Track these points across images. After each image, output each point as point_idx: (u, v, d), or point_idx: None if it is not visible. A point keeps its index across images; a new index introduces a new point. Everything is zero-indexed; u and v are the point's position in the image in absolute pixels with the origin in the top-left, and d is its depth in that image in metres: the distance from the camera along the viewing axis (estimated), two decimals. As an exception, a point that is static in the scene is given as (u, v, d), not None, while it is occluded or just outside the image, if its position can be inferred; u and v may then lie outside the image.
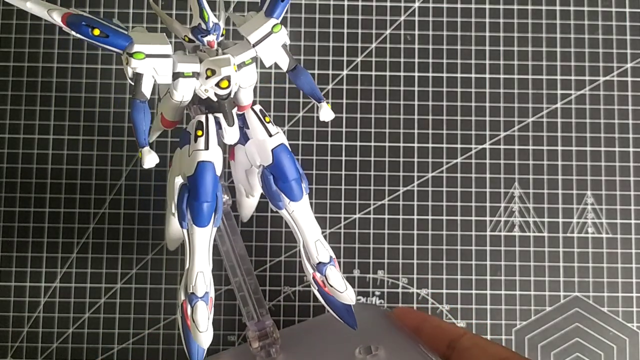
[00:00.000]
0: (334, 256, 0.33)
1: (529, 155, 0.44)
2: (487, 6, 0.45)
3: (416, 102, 0.44)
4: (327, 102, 0.34)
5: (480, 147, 0.44)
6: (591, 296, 0.43)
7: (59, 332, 0.42)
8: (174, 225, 0.35)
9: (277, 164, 0.31)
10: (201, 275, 0.31)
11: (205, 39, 0.31)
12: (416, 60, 0.44)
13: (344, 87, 0.44)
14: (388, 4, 0.45)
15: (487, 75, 0.44)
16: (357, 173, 0.43)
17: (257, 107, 0.32)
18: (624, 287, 0.43)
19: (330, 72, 0.44)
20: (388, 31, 0.45)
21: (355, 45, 0.44)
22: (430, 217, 0.43)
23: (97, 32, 0.29)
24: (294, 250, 0.43)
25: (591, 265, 0.43)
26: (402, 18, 0.45)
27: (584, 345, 0.43)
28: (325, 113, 0.34)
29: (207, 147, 0.30)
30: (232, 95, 0.31)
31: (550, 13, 0.45)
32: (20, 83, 0.43)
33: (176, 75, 0.30)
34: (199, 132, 0.30)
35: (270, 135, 0.32)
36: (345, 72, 0.44)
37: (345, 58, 0.44)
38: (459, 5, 0.45)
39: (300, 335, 0.37)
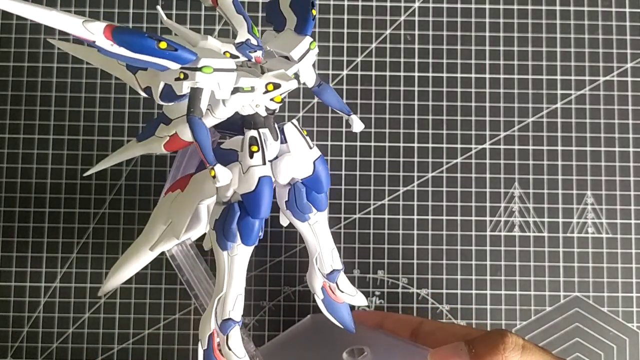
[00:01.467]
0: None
1: (529, 155, 0.44)
2: (487, 6, 0.45)
3: (416, 102, 0.44)
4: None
5: (480, 147, 0.44)
6: (591, 296, 0.43)
7: (59, 332, 0.42)
8: (135, 264, 0.35)
9: (316, 175, 0.32)
10: (240, 298, 0.32)
11: (254, 55, 0.30)
12: (416, 60, 0.44)
13: (344, 87, 0.44)
14: (388, 4, 0.45)
15: (487, 75, 0.44)
16: (357, 173, 0.43)
17: (295, 122, 0.33)
18: (624, 287, 0.43)
19: (330, 72, 0.44)
20: (388, 31, 0.45)
21: (355, 45, 0.44)
22: (430, 217, 0.43)
23: (164, 45, 0.27)
24: (294, 250, 0.43)
25: (591, 265, 0.43)
26: (402, 18, 0.45)
27: (584, 345, 0.43)
28: (357, 125, 0.34)
29: (264, 162, 0.30)
30: (276, 112, 0.31)
31: (550, 13, 0.45)
32: (20, 83, 0.43)
33: (235, 90, 0.29)
34: (254, 148, 0.30)
35: (311, 148, 0.32)
36: (345, 72, 0.44)
37: (345, 58, 0.44)
38: (459, 5, 0.45)
39: (284, 350, 0.37)
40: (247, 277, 0.42)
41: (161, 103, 0.30)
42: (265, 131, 0.31)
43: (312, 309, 0.42)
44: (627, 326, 0.43)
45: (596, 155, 0.44)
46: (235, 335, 0.31)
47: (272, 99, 0.30)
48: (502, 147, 0.44)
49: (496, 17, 0.45)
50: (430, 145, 0.44)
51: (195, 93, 0.28)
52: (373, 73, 0.44)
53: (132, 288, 0.42)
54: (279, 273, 0.43)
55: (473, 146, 0.44)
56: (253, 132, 0.31)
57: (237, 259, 0.31)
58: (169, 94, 0.30)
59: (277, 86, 0.30)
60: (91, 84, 0.43)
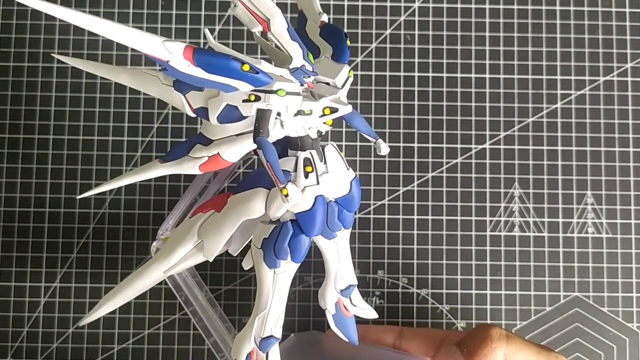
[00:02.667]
0: None
1: (529, 155, 0.44)
2: (487, 6, 0.45)
3: (416, 102, 0.44)
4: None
5: (480, 147, 0.44)
6: (591, 296, 0.43)
7: (59, 332, 0.42)
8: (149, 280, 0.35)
9: (352, 194, 0.33)
10: (282, 315, 0.33)
11: (307, 80, 0.31)
12: (416, 60, 0.44)
13: (344, 87, 0.44)
14: (388, 4, 0.45)
15: (487, 75, 0.44)
16: (357, 173, 0.43)
17: (335, 144, 0.34)
18: (624, 287, 0.43)
19: (330, 72, 0.44)
20: (388, 31, 0.45)
21: (355, 45, 0.44)
22: (430, 217, 0.43)
23: (247, 67, 0.28)
24: (294, 250, 0.43)
25: (591, 265, 0.43)
26: (402, 18, 0.45)
27: (584, 345, 0.43)
28: (384, 149, 0.35)
29: (318, 182, 0.31)
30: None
31: (550, 13, 0.45)
32: (20, 83, 0.43)
33: (298, 113, 0.30)
34: (309, 168, 0.31)
35: (348, 168, 0.33)
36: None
37: (345, 58, 0.44)
38: (459, 5, 0.45)
39: None
40: (247, 277, 0.43)
41: (216, 123, 0.30)
42: (313, 152, 0.32)
43: (312, 309, 0.42)
44: (627, 326, 0.43)
45: (596, 155, 0.44)
46: (275, 352, 0.32)
47: (324, 122, 0.32)
48: (502, 147, 0.44)
49: (496, 17, 0.45)
50: (430, 145, 0.44)
51: (264, 114, 0.29)
52: (373, 73, 0.44)
53: (132, 288, 0.42)
54: (279, 273, 0.43)
55: (473, 146, 0.44)
56: (306, 154, 0.32)
57: (283, 277, 0.32)
58: (227, 115, 0.30)
59: (334, 110, 0.31)
60: (91, 84, 0.43)
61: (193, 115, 0.31)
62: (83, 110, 0.43)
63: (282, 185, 0.29)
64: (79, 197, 0.37)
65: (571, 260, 0.43)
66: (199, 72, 0.28)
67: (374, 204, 0.43)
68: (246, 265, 0.33)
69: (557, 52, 0.45)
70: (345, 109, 0.31)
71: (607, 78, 0.44)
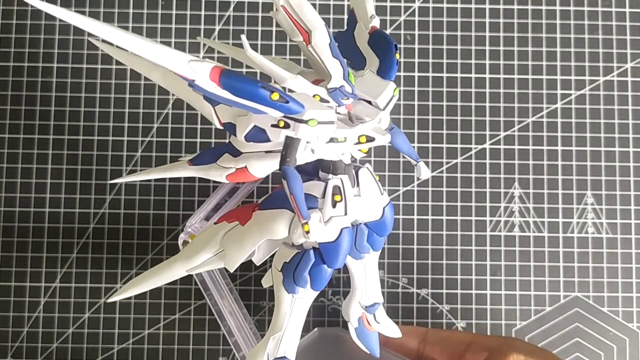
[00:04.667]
0: None
1: (529, 155, 0.44)
2: (487, 6, 0.45)
3: (416, 102, 0.44)
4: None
5: (480, 147, 0.44)
6: (591, 296, 0.43)
7: (59, 332, 0.42)
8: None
9: (384, 219, 0.32)
10: (297, 340, 0.31)
11: (345, 102, 0.29)
12: (416, 60, 0.44)
13: (344, 87, 0.44)
14: (388, 4, 0.45)
15: (487, 75, 0.44)
16: (357, 173, 0.43)
17: (370, 167, 0.32)
18: (624, 287, 0.43)
19: (330, 72, 0.44)
20: (388, 31, 0.45)
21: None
22: (430, 217, 0.43)
23: (276, 96, 0.26)
24: (294, 250, 0.43)
25: (591, 265, 0.43)
26: (402, 18, 0.45)
27: (584, 345, 0.43)
28: (425, 172, 0.34)
29: (346, 212, 0.30)
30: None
31: (550, 13, 0.45)
32: (20, 83, 0.43)
33: (330, 140, 0.29)
34: (338, 197, 0.30)
35: (382, 194, 0.32)
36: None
37: (345, 58, 0.44)
38: (459, 5, 0.45)
39: None
40: (247, 277, 0.43)
41: (244, 142, 0.29)
42: (345, 178, 0.30)
43: (312, 309, 0.42)
44: (627, 326, 0.43)
45: (596, 155, 0.44)
46: None
47: (359, 150, 0.30)
48: (502, 147, 0.44)
49: (496, 17, 0.45)
50: (430, 145, 0.44)
51: (292, 142, 0.28)
52: (373, 73, 0.44)
53: (132, 288, 0.42)
54: (279, 273, 0.43)
55: (473, 146, 0.44)
56: (337, 181, 0.30)
57: (301, 302, 0.31)
58: (255, 135, 0.29)
59: (370, 139, 0.29)
60: (91, 84, 0.43)
61: (221, 128, 0.30)
62: (83, 110, 0.43)
63: (304, 221, 0.28)
64: (110, 182, 0.37)
65: (571, 260, 0.43)
66: (225, 94, 0.26)
67: (374, 204, 0.43)
68: (266, 283, 0.32)
69: (557, 52, 0.45)
70: (383, 139, 0.29)
71: (607, 78, 0.44)
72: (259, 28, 0.44)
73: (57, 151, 0.43)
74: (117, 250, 0.42)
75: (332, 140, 0.29)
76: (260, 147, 0.30)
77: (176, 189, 0.43)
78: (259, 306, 0.42)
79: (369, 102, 0.30)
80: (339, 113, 0.30)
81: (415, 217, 0.43)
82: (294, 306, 0.31)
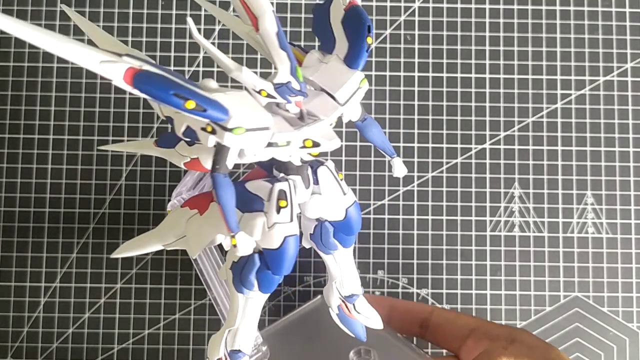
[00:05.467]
0: None
1: (529, 155, 0.44)
2: (487, 6, 0.45)
3: (416, 102, 0.44)
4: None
5: (480, 147, 0.44)
6: (591, 296, 0.43)
7: (59, 332, 0.42)
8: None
9: (348, 220, 0.30)
10: (251, 335, 0.30)
11: (293, 99, 0.27)
12: (416, 60, 0.44)
13: (344, 87, 0.44)
14: (388, 4, 0.45)
15: (487, 75, 0.44)
16: (357, 173, 0.43)
17: (332, 165, 0.30)
18: (624, 287, 0.43)
19: (330, 72, 0.44)
20: (388, 31, 0.45)
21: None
22: (430, 217, 0.43)
23: (191, 105, 0.23)
24: (294, 250, 0.43)
25: (591, 265, 0.43)
26: (402, 18, 0.45)
27: (584, 345, 0.43)
28: (400, 169, 0.32)
29: (291, 219, 0.28)
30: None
31: (550, 13, 0.45)
32: (20, 83, 0.43)
33: (268, 145, 0.26)
34: (283, 203, 0.27)
35: (345, 194, 0.30)
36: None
37: (345, 58, 0.44)
38: (459, 5, 0.45)
39: (288, 337, 0.36)
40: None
41: (184, 139, 0.28)
42: (296, 179, 0.28)
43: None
44: (627, 326, 0.43)
45: (596, 155, 0.44)
46: None
47: (309, 153, 0.28)
48: (502, 147, 0.44)
49: (496, 17, 0.45)
50: (430, 145, 0.44)
51: (222, 149, 0.26)
52: (373, 73, 0.44)
53: (132, 288, 0.42)
54: (279, 273, 0.43)
55: (473, 146, 0.44)
56: (283, 185, 0.28)
57: (253, 302, 0.30)
58: (191, 134, 0.27)
59: (316, 144, 0.27)
60: (91, 84, 0.43)
61: (164, 119, 0.29)
62: (83, 110, 0.43)
63: (231, 234, 0.26)
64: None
65: (571, 260, 0.43)
66: (146, 96, 0.24)
67: (374, 204, 0.43)
68: (222, 276, 0.31)
69: (557, 52, 0.45)
70: (329, 145, 0.26)
71: (607, 78, 0.44)
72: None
73: (57, 151, 0.43)
74: (117, 250, 0.42)
75: (271, 144, 0.26)
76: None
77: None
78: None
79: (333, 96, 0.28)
80: (287, 111, 0.27)
81: (415, 217, 0.43)
82: (247, 305, 0.30)
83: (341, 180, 0.30)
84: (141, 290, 0.42)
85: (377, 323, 0.34)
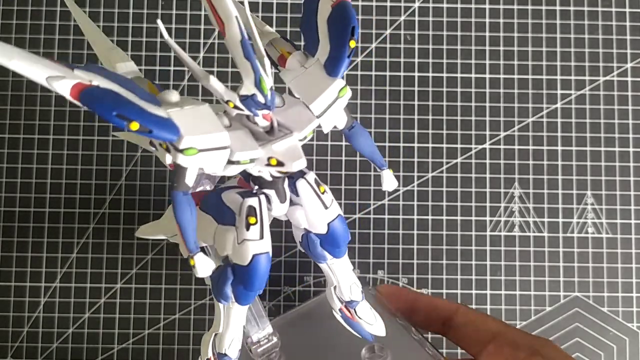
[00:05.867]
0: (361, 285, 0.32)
1: (529, 155, 0.44)
2: (487, 6, 0.45)
3: (416, 102, 0.44)
4: (390, 169, 0.31)
5: (480, 147, 0.44)
6: (591, 296, 0.43)
7: (59, 332, 0.42)
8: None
9: (331, 234, 0.29)
10: (236, 341, 0.30)
11: (261, 112, 0.25)
12: (416, 60, 0.44)
13: (344, 87, 0.44)
14: (388, 4, 0.45)
15: (487, 75, 0.44)
16: (357, 173, 0.43)
17: (312, 177, 0.28)
18: (624, 287, 0.43)
19: (330, 72, 0.44)
20: (388, 31, 0.45)
21: (355, 46, 0.44)
22: (430, 217, 0.43)
23: (135, 126, 0.22)
24: (294, 250, 0.43)
25: (591, 265, 0.43)
26: (402, 18, 0.45)
27: (584, 345, 0.43)
28: (389, 182, 0.30)
29: (262, 237, 0.26)
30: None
31: (550, 13, 0.45)
32: (20, 83, 0.43)
33: (230, 163, 0.25)
34: (252, 220, 0.26)
35: (327, 208, 0.28)
36: (345, 72, 0.44)
37: (345, 58, 0.44)
38: (459, 5, 0.45)
39: (299, 329, 0.35)
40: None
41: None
42: (271, 193, 0.27)
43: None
44: (627, 326, 0.43)
45: (596, 155, 0.44)
46: None
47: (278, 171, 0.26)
48: (502, 147, 0.44)
49: (496, 17, 0.45)
50: (430, 145, 0.44)
51: (179, 168, 0.24)
52: (373, 73, 0.44)
53: (132, 288, 0.42)
54: (279, 273, 0.43)
55: (473, 146, 0.44)
56: (252, 201, 0.26)
57: (233, 311, 0.29)
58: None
59: (281, 164, 0.25)
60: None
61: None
62: (83, 110, 0.43)
63: (189, 255, 0.25)
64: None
65: (571, 260, 0.43)
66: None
67: (374, 204, 0.43)
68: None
69: (557, 52, 0.45)
70: (293, 166, 0.25)
71: (607, 78, 0.44)
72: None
73: (57, 151, 0.43)
74: (117, 250, 0.42)
75: (232, 162, 0.25)
76: None
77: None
78: (259, 306, 0.42)
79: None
80: (256, 124, 0.26)
81: (415, 217, 0.43)
82: (228, 313, 0.29)
83: (323, 193, 0.28)
84: (141, 290, 0.42)
85: (379, 330, 0.33)
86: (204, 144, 0.24)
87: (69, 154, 0.43)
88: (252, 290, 0.27)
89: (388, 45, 0.44)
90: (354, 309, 0.32)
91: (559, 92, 0.44)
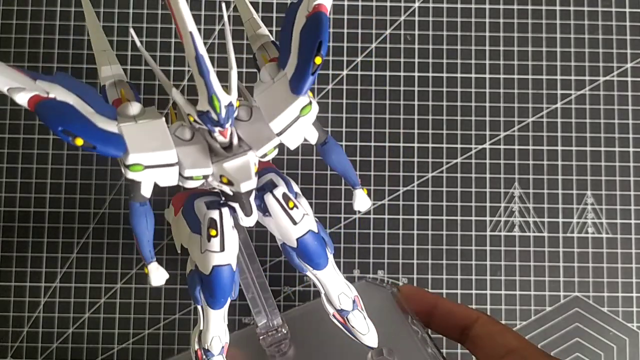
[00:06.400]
0: (355, 293, 0.31)
1: (529, 155, 0.44)
2: (487, 6, 0.45)
3: (416, 102, 0.44)
4: (363, 188, 0.30)
5: (480, 147, 0.44)
6: (591, 296, 0.43)
7: (59, 332, 0.42)
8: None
9: (301, 250, 0.28)
10: (217, 339, 0.30)
11: (217, 129, 0.24)
12: (416, 60, 0.44)
13: (344, 87, 0.44)
14: (388, 4, 0.45)
15: (487, 75, 0.44)
16: (357, 173, 0.43)
17: (279, 192, 0.27)
18: (624, 287, 0.43)
19: (330, 72, 0.44)
20: (388, 31, 0.45)
21: (355, 45, 0.44)
22: (430, 217, 0.43)
23: (80, 142, 0.23)
24: (294, 250, 0.43)
25: (591, 265, 0.43)
26: (402, 18, 0.45)
27: (584, 345, 0.43)
28: (360, 202, 0.30)
29: (222, 249, 0.26)
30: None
31: (550, 13, 0.45)
32: (20, 83, 0.43)
33: (183, 178, 0.26)
34: (213, 232, 0.26)
35: (295, 224, 0.27)
36: (345, 72, 0.44)
37: (345, 58, 0.44)
38: (459, 5, 0.45)
39: (309, 324, 0.35)
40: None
41: None
42: (235, 206, 0.27)
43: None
44: (627, 326, 0.43)
45: (596, 155, 0.44)
46: None
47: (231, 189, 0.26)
48: (502, 147, 0.44)
49: (496, 17, 0.45)
50: (430, 145, 0.44)
51: (133, 182, 0.25)
52: (373, 73, 0.44)
53: (132, 288, 0.42)
54: (279, 273, 0.43)
55: (473, 146, 0.44)
56: (213, 213, 0.26)
57: (210, 312, 0.29)
58: None
59: (231, 183, 0.25)
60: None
61: None
62: (83, 110, 0.43)
63: (144, 263, 0.25)
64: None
65: (571, 260, 0.43)
66: None
67: (374, 204, 0.43)
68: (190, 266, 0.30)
69: (557, 52, 0.45)
70: (242, 187, 0.24)
71: (607, 78, 0.44)
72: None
73: (57, 151, 0.43)
74: (117, 250, 0.42)
75: (186, 179, 0.25)
76: None
77: (176, 189, 0.43)
78: (259, 306, 0.42)
79: None
80: (215, 139, 0.25)
81: (415, 217, 0.43)
82: (207, 314, 0.29)
83: (292, 208, 0.27)
84: (141, 290, 0.42)
85: (371, 341, 0.31)
86: (149, 161, 0.24)
87: (69, 154, 0.43)
88: (215, 298, 0.27)
89: (388, 45, 0.44)
90: (346, 317, 0.31)
91: (559, 92, 0.44)
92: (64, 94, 0.24)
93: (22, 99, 0.23)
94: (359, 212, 0.33)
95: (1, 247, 0.42)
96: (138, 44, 0.24)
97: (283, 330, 0.34)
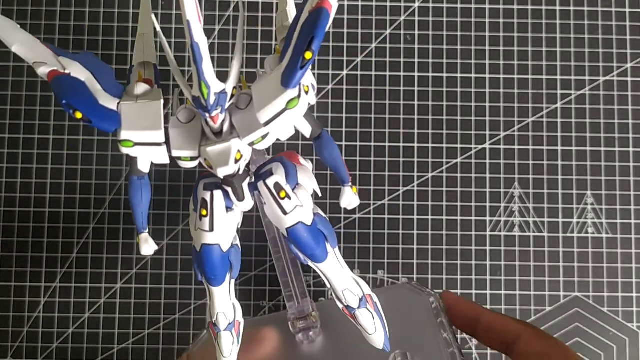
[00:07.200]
0: (367, 292, 0.31)
1: (529, 155, 0.44)
2: (487, 6, 0.45)
3: (416, 102, 0.44)
4: (352, 186, 0.30)
5: (480, 147, 0.44)
6: (591, 296, 0.43)
7: (59, 332, 0.42)
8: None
9: (292, 240, 0.28)
10: (222, 315, 0.30)
11: (207, 114, 0.25)
12: (416, 60, 0.44)
13: (344, 87, 0.44)
14: (388, 4, 0.45)
15: (487, 75, 0.44)
16: (357, 173, 0.43)
17: (272, 182, 0.28)
18: (624, 287, 0.43)
19: (330, 72, 0.44)
20: (388, 31, 0.45)
21: (355, 45, 0.44)
22: (430, 217, 0.43)
23: (79, 115, 0.26)
24: (294, 250, 0.43)
25: (591, 265, 0.43)
26: (402, 18, 0.45)
27: (584, 345, 0.43)
28: (348, 199, 0.30)
29: (211, 229, 0.27)
30: (240, 172, 0.27)
31: (550, 13, 0.45)
32: (20, 83, 0.43)
33: (175, 159, 0.27)
34: (204, 212, 0.27)
35: (286, 214, 0.28)
36: (345, 72, 0.44)
37: (345, 58, 0.44)
38: (459, 5, 0.45)
39: (341, 314, 0.33)
40: (247, 277, 0.43)
41: None
42: (229, 190, 0.28)
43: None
44: (627, 326, 0.43)
45: (596, 155, 0.44)
46: (224, 338, 0.30)
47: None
48: (502, 147, 0.44)
49: (496, 17, 0.45)
50: (430, 145, 0.44)
51: (130, 157, 0.27)
52: (373, 73, 0.44)
53: (132, 288, 0.42)
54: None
55: (473, 146, 0.44)
56: (205, 195, 0.27)
57: (212, 288, 0.29)
58: None
59: (211, 167, 0.26)
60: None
61: None
62: (83, 110, 0.43)
63: (137, 234, 0.27)
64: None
65: (571, 260, 0.43)
66: None
67: (374, 204, 0.43)
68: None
69: (557, 52, 0.45)
70: (219, 172, 0.26)
71: (607, 78, 0.44)
72: (259, 28, 0.44)
73: (57, 151, 0.43)
74: (117, 250, 0.42)
75: (176, 158, 0.27)
76: None
77: (176, 189, 0.43)
78: (259, 306, 0.42)
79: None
80: (207, 124, 0.26)
81: (415, 217, 0.43)
82: (208, 288, 0.29)
83: (283, 198, 0.28)
84: (141, 290, 0.42)
85: (377, 341, 0.31)
86: (138, 139, 0.26)
87: (69, 154, 0.43)
88: (205, 275, 0.28)
89: (388, 45, 0.44)
90: (354, 314, 0.31)
91: (559, 92, 0.44)
92: (79, 71, 0.27)
93: (42, 72, 0.27)
94: (345, 209, 0.33)
95: (1, 247, 0.42)
96: (158, 28, 0.26)
97: (312, 318, 0.34)
